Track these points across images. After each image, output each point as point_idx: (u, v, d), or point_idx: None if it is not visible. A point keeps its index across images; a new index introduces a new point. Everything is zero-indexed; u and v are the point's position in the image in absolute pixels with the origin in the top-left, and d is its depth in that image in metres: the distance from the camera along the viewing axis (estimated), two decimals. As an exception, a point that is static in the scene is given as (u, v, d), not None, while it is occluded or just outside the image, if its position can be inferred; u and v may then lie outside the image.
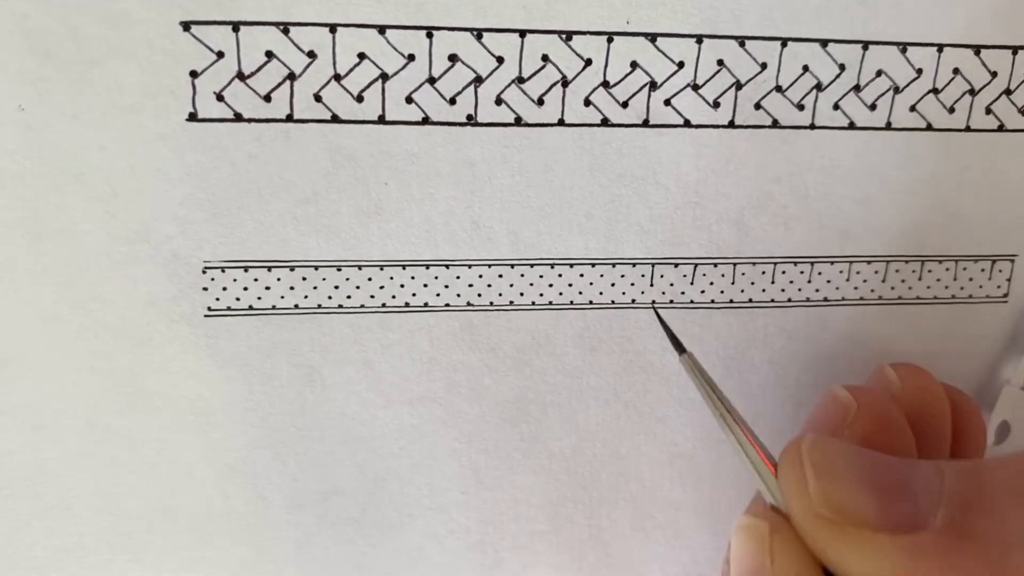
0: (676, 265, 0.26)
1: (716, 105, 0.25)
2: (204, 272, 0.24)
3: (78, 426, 0.25)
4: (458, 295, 0.25)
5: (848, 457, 0.19)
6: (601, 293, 0.26)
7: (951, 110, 0.26)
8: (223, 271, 0.24)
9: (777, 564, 0.19)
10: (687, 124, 0.25)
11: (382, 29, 0.23)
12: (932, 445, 0.23)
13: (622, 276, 0.26)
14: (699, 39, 0.24)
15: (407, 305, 0.25)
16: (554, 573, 0.29)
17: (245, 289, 0.24)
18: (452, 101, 0.24)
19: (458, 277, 0.25)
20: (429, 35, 0.23)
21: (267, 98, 0.23)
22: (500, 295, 0.26)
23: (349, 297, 0.25)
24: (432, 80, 0.23)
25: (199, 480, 0.26)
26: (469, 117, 0.24)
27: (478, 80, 0.24)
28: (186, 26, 0.22)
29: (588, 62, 0.24)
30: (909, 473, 0.18)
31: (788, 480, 0.19)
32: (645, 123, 0.25)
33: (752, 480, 0.21)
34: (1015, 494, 0.17)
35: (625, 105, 0.24)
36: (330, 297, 0.25)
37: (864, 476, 0.18)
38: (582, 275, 0.26)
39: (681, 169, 0.25)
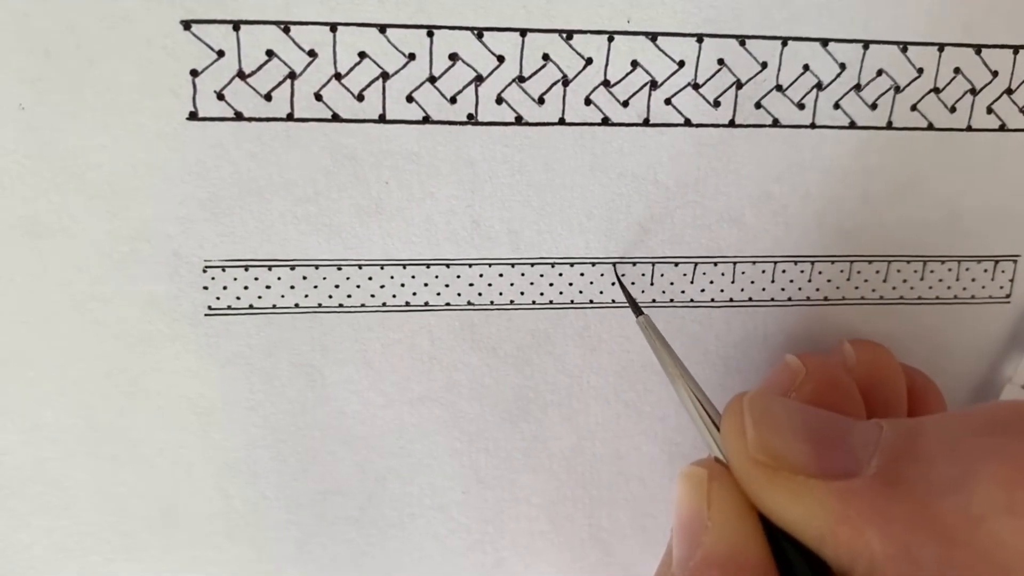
0: (676, 264, 0.26)
1: (717, 104, 0.25)
2: (205, 271, 0.24)
3: (78, 426, 0.25)
4: (459, 294, 0.25)
5: (787, 409, 0.19)
6: (602, 292, 0.26)
7: (952, 110, 0.26)
8: (224, 270, 0.24)
9: (713, 509, 0.19)
10: (687, 123, 0.25)
11: (383, 28, 0.23)
12: (887, 415, 0.24)
13: (623, 275, 0.26)
14: (700, 38, 0.24)
15: (408, 304, 0.25)
16: (554, 573, 0.29)
17: (246, 288, 0.24)
18: (453, 100, 0.24)
19: (459, 276, 0.25)
20: (430, 34, 0.23)
21: (268, 97, 0.23)
22: (501, 294, 0.26)
23: (350, 296, 0.25)
24: (433, 79, 0.23)
25: (199, 479, 0.26)
26: (470, 116, 0.24)
27: (479, 79, 0.24)
28: (186, 25, 0.22)
29: (589, 61, 0.24)
30: (847, 427, 0.19)
31: (728, 429, 0.19)
32: (646, 122, 0.25)
33: (701, 437, 0.21)
34: (946, 445, 0.17)
35: (626, 104, 0.24)
36: (331, 296, 0.25)
37: (801, 426, 0.19)
38: (582, 274, 0.26)
39: (681, 168, 0.25)
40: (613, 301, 0.26)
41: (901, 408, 0.25)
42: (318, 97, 0.23)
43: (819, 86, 0.25)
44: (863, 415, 0.23)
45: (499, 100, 0.24)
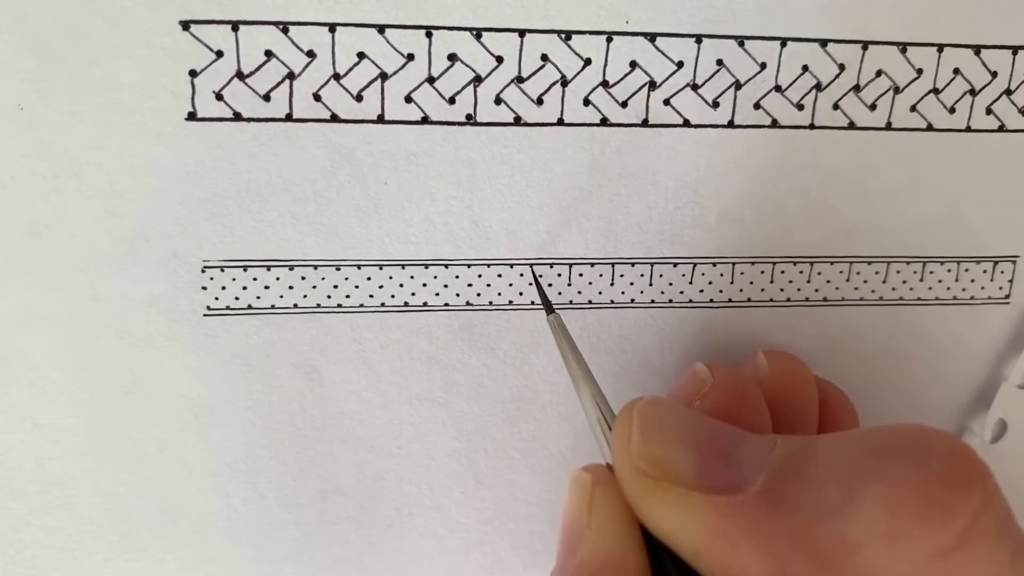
0: (675, 264, 0.26)
1: (715, 105, 0.25)
2: (203, 271, 0.24)
3: (78, 426, 0.25)
4: (457, 295, 0.25)
5: (679, 418, 0.19)
6: (600, 292, 0.26)
7: (951, 110, 0.26)
8: (222, 270, 0.24)
9: (593, 515, 0.19)
10: (686, 124, 0.25)
11: (381, 28, 0.23)
12: (796, 428, 0.24)
13: (621, 276, 0.26)
14: (698, 39, 0.24)
15: (406, 304, 0.25)
16: (553, 573, 0.29)
17: (244, 288, 0.24)
18: (451, 100, 0.24)
19: (457, 276, 0.25)
20: (428, 34, 0.23)
21: (266, 97, 0.23)
22: (499, 294, 0.26)
23: (348, 296, 0.25)
24: (431, 79, 0.23)
25: (198, 479, 0.26)
26: (468, 117, 0.24)
27: (477, 80, 0.24)
28: (185, 25, 0.22)
29: (587, 62, 0.24)
30: (739, 440, 0.19)
31: (616, 435, 0.19)
32: (644, 123, 0.25)
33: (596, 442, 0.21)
34: (833, 466, 0.17)
35: (624, 105, 0.24)
36: (329, 296, 0.25)
37: (689, 436, 0.18)
38: (581, 275, 0.26)
39: (680, 169, 0.25)
40: (612, 302, 0.26)
41: (811, 422, 0.24)
42: (317, 97, 0.23)
43: (818, 87, 0.25)
44: (768, 428, 0.23)
45: (498, 100, 0.24)
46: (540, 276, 0.25)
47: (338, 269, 0.25)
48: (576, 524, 0.19)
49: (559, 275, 0.26)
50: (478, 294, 0.25)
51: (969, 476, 0.16)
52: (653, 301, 0.26)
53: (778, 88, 0.25)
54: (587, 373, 0.22)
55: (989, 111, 0.26)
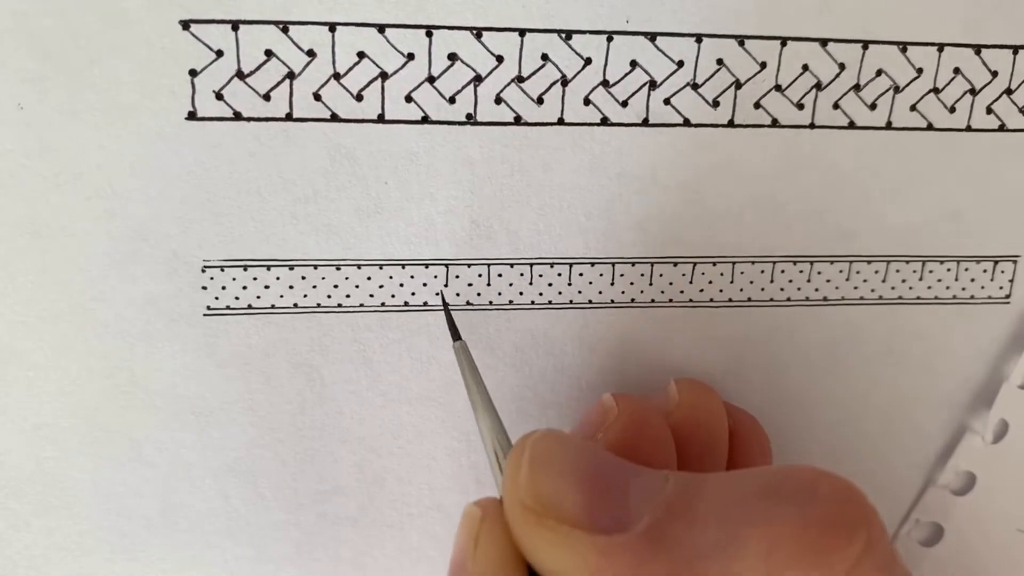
0: (675, 264, 0.26)
1: (716, 104, 0.25)
2: (203, 271, 0.24)
3: (78, 426, 0.25)
4: (457, 294, 0.25)
5: (571, 452, 0.18)
6: (600, 292, 0.26)
7: (952, 110, 0.26)
8: (222, 270, 0.24)
9: (479, 550, 0.18)
10: (687, 123, 0.25)
11: (381, 28, 0.23)
12: (705, 460, 0.23)
13: (621, 275, 0.26)
14: (698, 38, 0.24)
15: (406, 304, 0.25)
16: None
17: (244, 288, 0.24)
18: (452, 100, 0.24)
19: (457, 276, 0.25)
20: (428, 34, 0.23)
21: (266, 97, 0.23)
22: (499, 294, 0.26)
23: (348, 296, 0.25)
24: (432, 79, 0.23)
25: (198, 479, 0.26)
26: (468, 116, 0.24)
27: (477, 79, 0.24)
28: (185, 25, 0.22)
29: (588, 61, 0.24)
30: (632, 476, 0.18)
31: (507, 468, 0.19)
32: (645, 122, 0.25)
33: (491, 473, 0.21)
34: (720, 506, 0.17)
35: (624, 104, 0.24)
36: (329, 296, 0.25)
37: (579, 473, 0.18)
38: (581, 274, 0.26)
39: (680, 168, 0.25)
40: (612, 301, 0.26)
41: (720, 454, 0.24)
42: (317, 97, 0.23)
43: (818, 86, 0.25)
44: (673, 461, 0.22)
45: (498, 100, 0.24)
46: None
47: (338, 269, 0.25)
48: (461, 559, 0.19)
49: (559, 275, 0.26)
50: (478, 294, 0.25)
51: (852, 520, 0.16)
52: (653, 301, 0.26)
53: (778, 87, 0.25)
54: (488, 403, 0.22)
55: (989, 110, 0.26)
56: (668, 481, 0.18)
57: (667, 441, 0.22)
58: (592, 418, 0.23)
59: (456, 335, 0.24)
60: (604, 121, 0.25)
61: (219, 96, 0.23)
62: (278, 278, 0.24)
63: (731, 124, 0.25)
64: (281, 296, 0.25)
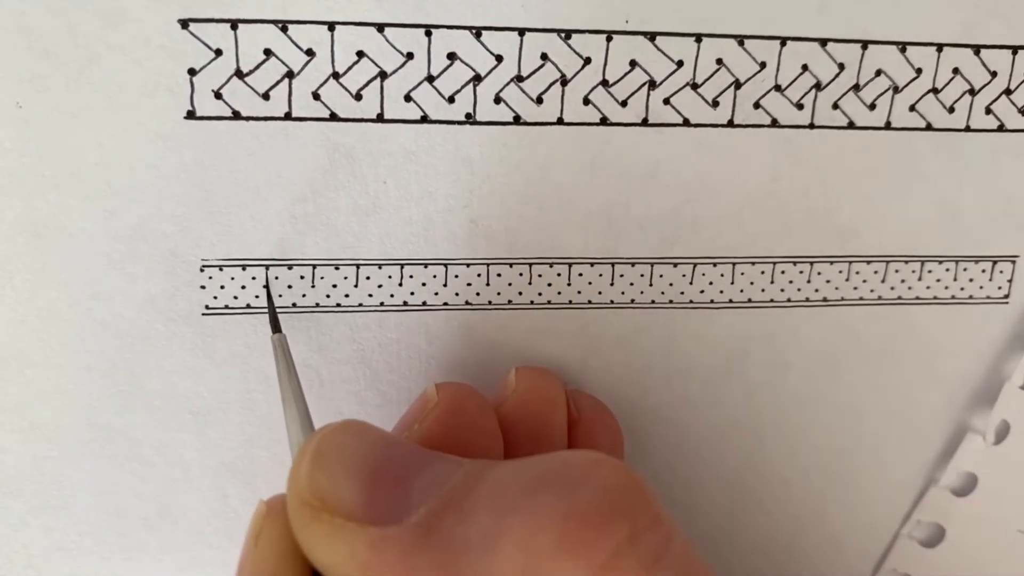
0: (675, 264, 0.26)
1: (715, 104, 0.25)
2: (202, 270, 0.24)
3: (76, 425, 0.25)
4: (456, 294, 0.25)
5: (358, 445, 0.18)
6: (600, 292, 0.26)
7: (951, 110, 0.26)
8: (221, 269, 0.24)
9: (260, 546, 0.18)
10: (686, 123, 0.25)
11: (381, 27, 0.23)
12: (540, 448, 0.22)
13: (621, 275, 0.26)
14: (698, 38, 0.24)
15: (405, 304, 0.25)
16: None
17: (243, 287, 0.24)
18: (451, 99, 0.24)
19: (456, 276, 0.25)
20: (428, 33, 0.23)
21: (265, 96, 0.23)
22: (498, 294, 0.26)
23: (347, 296, 0.25)
24: (431, 78, 0.23)
25: (197, 479, 0.26)
26: (468, 115, 0.24)
27: (477, 78, 0.24)
28: (184, 24, 0.22)
29: (587, 61, 0.24)
30: (421, 467, 0.18)
31: (293, 463, 0.18)
32: (644, 122, 0.25)
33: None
34: (493, 496, 0.16)
35: (624, 104, 0.24)
36: (328, 296, 0.25)
37: (360, 465, 0.17)
38: (580, 274, 0.26)
39: (680, 168, 0.25)
40: (612, 302, 0.26)
41: (556, 443, 0.23)
42: (316, 96, 0.23)
43: (818, 86, 0.25)
44: (499, 449, 0.22)
45: (497, 99, 0.24)
46: (274, 292, 0.24)
47: (337, 268, 0.25)
48: (243, 556, 0.18)
49: (559, 275, 0.26)
50: (477, 293, 0.25)
51: (614, 510, 0.15)
52: (653, 301, 0.26)
53: (778, 87, 0.25)
54: (300, 397, 0.21)
55: (988, 111, 0.26)
56: (461, 468, 0.17)
57: (490, 430, 0.22)
58: (414, 409, 0.22)
59: (276, 328, 0.23)
60: (603, 121, 0.25)
61: (218, 95, 0.23)
62: (276, 277, 0.24)
63: (731, 124, 0.25)
64: (280, 295, 0.25)
